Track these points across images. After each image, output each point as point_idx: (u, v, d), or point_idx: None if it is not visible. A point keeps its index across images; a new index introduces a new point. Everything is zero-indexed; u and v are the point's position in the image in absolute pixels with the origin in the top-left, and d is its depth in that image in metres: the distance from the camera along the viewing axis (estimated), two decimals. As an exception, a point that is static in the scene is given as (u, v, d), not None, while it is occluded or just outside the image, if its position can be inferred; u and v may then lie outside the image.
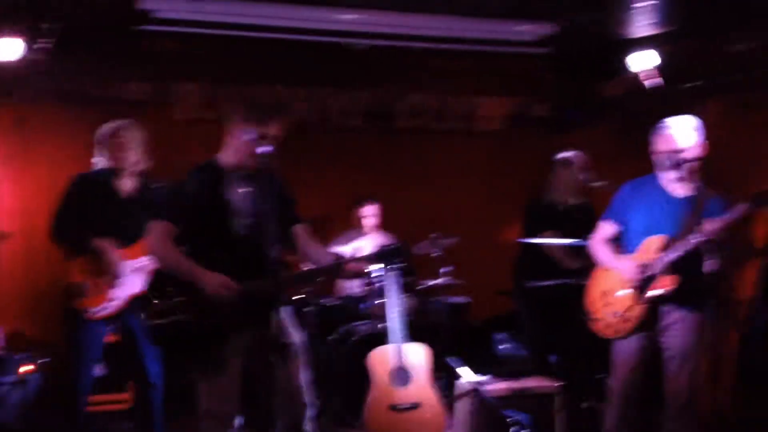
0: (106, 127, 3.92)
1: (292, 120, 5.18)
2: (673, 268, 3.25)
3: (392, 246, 2.93)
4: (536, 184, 5.35)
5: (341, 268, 2.91)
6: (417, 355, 4.09)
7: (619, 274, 3.43)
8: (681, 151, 3.27)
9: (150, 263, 3.76)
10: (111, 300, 3.78)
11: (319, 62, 5.38)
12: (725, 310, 4.37)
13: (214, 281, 2.81)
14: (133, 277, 3.80)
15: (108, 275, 3.76)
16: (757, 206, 3.12)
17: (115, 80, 5.08)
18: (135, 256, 3.82)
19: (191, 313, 2.83)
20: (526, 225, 4.92)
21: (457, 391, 4.10)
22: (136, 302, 3.81)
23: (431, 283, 4.86)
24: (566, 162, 4.76)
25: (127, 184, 3.90)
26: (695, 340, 3.32)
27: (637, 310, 3.35)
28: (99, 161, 3.91)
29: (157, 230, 2.93)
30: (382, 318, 4.47)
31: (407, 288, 4.63)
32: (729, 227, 3.14)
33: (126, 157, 3.85)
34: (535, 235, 4.69)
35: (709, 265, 3.18)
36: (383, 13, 4.67)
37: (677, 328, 3.34)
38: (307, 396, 3.00)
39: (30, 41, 4.28)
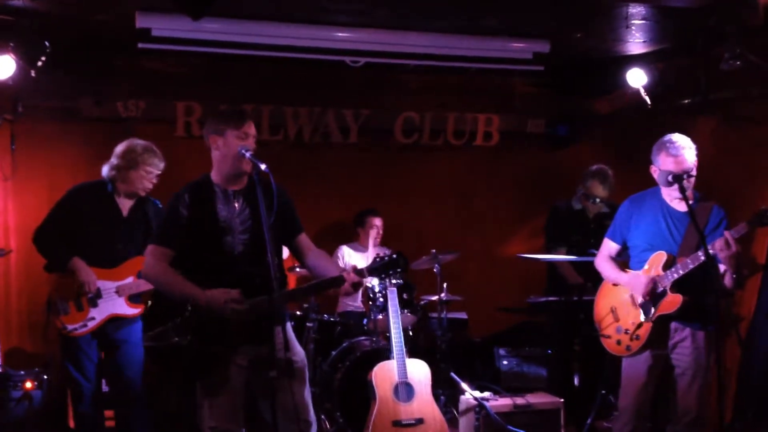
0: (139, 147, 3.77)
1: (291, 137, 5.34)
2: (679, 285, 3.26)
3: (389, 257, 2.88)
4: (549, 195, 5.33)
5: (341, 281, 2.84)
6: (419, 371, 4.07)
7: (627, 290, 3.41)
8: (686, 168, 3.27)
9: (137, 285, 3.75)
10: (89, 319, 3.73)
11: (319, 81, 5.43)
12: (728, 326, 4.39)
13: (218, 298, 2.77)
14: (113, 297, 3.76)
15: (85, 294, 3.70)
16: (756, 226, 3.14)
17: (111, 98, 5.07)
18: (121, 277, 3.78)
19: (190, 333, 2.80)
20: (552, 231, 4.90)
21: (461, 407, 4.08)
22: (118, 322, 3.77)
23: (431, 298, 4.87)
24: (602, 173, 4.74)
25: (128, 203, 3.86)
26: (704, 357, 3.32)
27: (646, 328, 3.34)
28: (107, 171, 3.80)
29: (153, 254, 2.90)
30: (383, 333, 4.47)
31: (407, 303, 4.62)
32: (729, 246, 3.13)
33: (145, 186, 3.79)
34: (561, 242, 4.72)
35: (713, 282, 3.18)
36: (380, 32, 4.72)
37: (686, 346, 3.34)
38: (310, 413, 2.97)
39: (27, 60, 4.26)
